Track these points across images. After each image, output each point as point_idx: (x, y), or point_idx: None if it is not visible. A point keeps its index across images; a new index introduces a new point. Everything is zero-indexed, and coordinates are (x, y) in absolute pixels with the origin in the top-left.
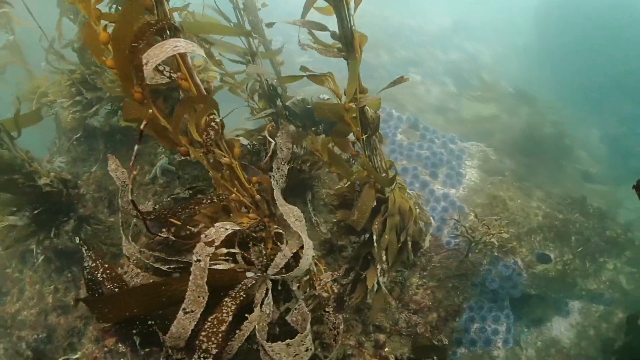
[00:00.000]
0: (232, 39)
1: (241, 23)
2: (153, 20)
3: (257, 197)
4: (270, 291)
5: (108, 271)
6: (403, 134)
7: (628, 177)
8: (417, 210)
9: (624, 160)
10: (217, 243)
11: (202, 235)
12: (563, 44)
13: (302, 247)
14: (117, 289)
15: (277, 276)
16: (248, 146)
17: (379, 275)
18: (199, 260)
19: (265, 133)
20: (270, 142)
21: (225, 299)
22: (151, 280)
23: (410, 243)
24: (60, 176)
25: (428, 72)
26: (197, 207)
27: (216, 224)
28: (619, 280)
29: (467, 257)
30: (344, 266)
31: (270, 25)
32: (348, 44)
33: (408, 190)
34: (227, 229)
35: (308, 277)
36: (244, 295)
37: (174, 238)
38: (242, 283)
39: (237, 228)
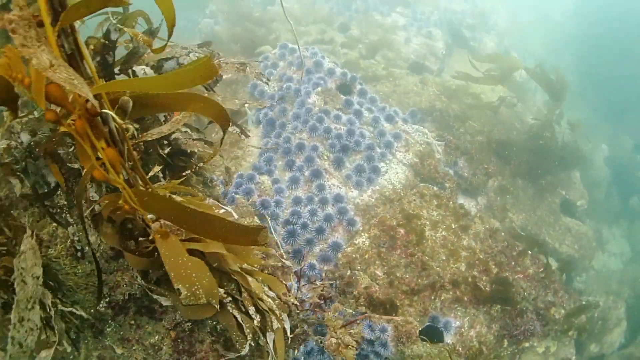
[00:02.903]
0: None
1: None
2: None
3: None
4: None
5: None
6: (322, 94)
7: (623, 217)
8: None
9: (624, 195)
10: None
11: None
12: (599, 32)
13: None
14: None
15: None
16: None
17: None
18: None
19: None
20: None
21: None
22: None
23: None
24: None
25: (417, 17)
26: None
27: None
28: None
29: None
30: None
31: None
32: None
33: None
34: None
35: None
36: None
37: None
38: None
39: None
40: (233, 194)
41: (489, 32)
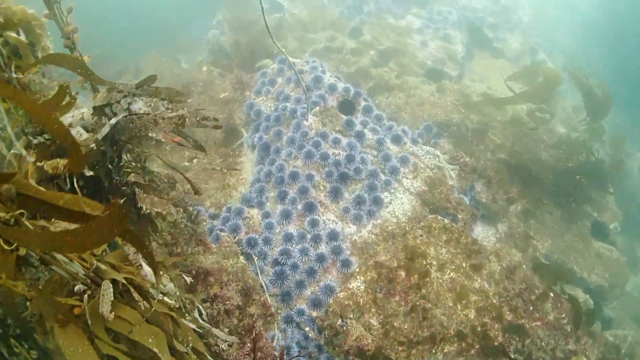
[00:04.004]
0: None
1: None
2: None
3: None
4: None
5: None
6: (320, 115)
7: None
8: None
9: None
10: None
11: None
12: (629, 24)
13: None
14: None
15: None
16: None
17: None
18: None
19: None
20: None
21: None
22: None
23: None
24: None
25: (434, 18)
26: None
27: None
28: None
29: None
30: None
31: None
32: None
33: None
34: None
35: None
36: None
37: None
38: None
39: None
40: (218, 231)
41: (513, 31)
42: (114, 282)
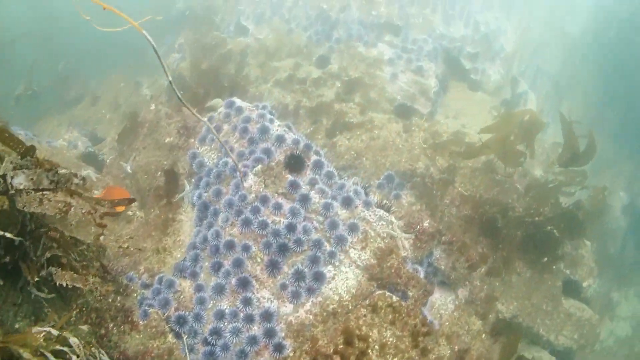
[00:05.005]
0: None
1: None
2: None
3: None
4: None
5: None
6: (264, 175)
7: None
8: None
9: None
10: None
11: None
12: (619, 50)
13: None
14: None
15: None
16: None
17: None
18: None
19: None
20: None
21: None
22: None
23: None
24: None
25: (408, 47)
26: None
27: None
28: None
29: None
30: None
31: None
32: None
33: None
34: None
35: None
36: None
37: None
38: None
39: None
40: (147, 307)
41: (494, 61)
42: None
